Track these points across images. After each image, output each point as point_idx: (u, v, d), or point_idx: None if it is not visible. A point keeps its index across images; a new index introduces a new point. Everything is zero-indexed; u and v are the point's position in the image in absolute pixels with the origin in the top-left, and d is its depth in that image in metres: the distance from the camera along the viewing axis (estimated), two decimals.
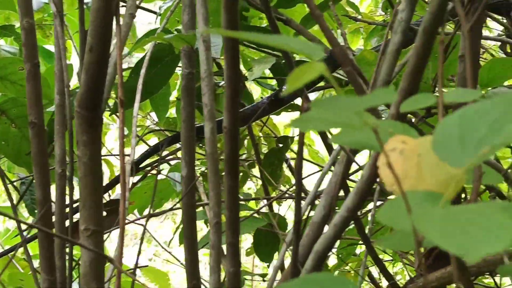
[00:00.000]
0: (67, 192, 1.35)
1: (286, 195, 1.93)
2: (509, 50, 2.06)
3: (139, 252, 1.30)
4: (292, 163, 2.58)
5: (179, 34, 1.23)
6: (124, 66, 2.49)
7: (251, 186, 3.58)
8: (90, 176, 1.03)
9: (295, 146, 3.14)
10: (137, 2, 2.24)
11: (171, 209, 1.66)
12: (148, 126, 2.87)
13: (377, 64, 1.02)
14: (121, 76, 0.97)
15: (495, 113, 0.60)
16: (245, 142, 2.57)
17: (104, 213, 2.29)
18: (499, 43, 2.20)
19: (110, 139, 4.65)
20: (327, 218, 0.95)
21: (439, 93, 0.70)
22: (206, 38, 0.98)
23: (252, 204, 2.55)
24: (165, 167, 2.56)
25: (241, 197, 1.92)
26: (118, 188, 2.33)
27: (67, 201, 1.35)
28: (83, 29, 1.19)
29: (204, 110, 0.98)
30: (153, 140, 2.95)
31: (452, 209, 0.56)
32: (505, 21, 2.04)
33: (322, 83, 2.02)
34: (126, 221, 2.13)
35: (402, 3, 1.00)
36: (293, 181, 2.51)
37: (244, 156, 2.67)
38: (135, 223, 1.98)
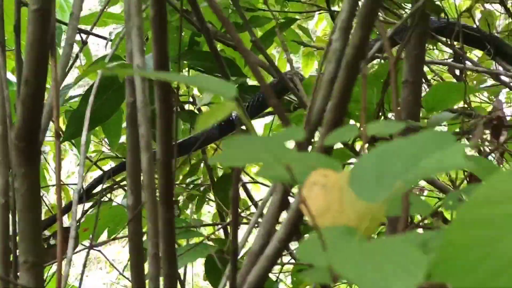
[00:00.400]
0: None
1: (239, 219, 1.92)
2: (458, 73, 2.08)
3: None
4: (249, 186, 2.58)
5: (118, 64, 1.23)
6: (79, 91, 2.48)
7: (210, 210, 3.57)
8: (28, 208, 1.02)
9: (254, 168, 3.15)
10: (89, 28, 2.23)
11: (114, 238, 1.65)
12: (103, 152, 2.85)
13: (312, 94, 1.02)
14: (57, 109, 0.96)
15: (412, 150, 0.61)
16: (201, 165, 2.57)
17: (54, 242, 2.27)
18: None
19: (69, 164, 4.62)
20: (265, 247, 0.95)
21: (362, 128, 0.71)
22: (141, 68, 0.98)
23: (211, 228, 2.55)
24: (121, 193, 2.55)
25: (192, 224, 1.91)
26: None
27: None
28: (19, 60, 1.19)
29: (140, 141, 0.98)
30: (111, 166, 2.94)
31: (367, 245, 0.56)
32: (455, 43, 2.07)
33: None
34: (79, 248, 2.11)
35: (336, 33, 1.01)
36: (250, 203, 2.51)
37: (200, 181, 2.67)
38: (94, 249, 1.97)
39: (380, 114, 1.51)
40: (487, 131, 1.39)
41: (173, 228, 0.92)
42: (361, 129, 0.72)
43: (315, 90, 1.05)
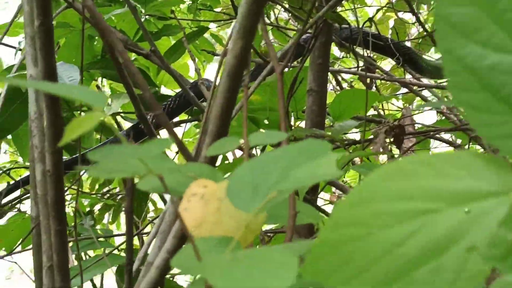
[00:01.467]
0: None
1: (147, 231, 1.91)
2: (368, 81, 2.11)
3: None
4: (166, 195, 2.56)
5: (18, 74, 1.21)
6: None
7: None
8: None
9: None
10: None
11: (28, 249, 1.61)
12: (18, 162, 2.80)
13: (208, 105, 1.02)
14: None
15: (288, 159, 0.61)
16: None
17: None
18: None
19: None
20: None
21: (244, 139, 0.71)
22: (34, 79, 0.96)
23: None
24: None
25: (101, 234, 1.89)
26: None
27: None
28: None
29: (34, 152, 0.96)
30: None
31: (239, 254, 0.56)
32: (367, 52, 2.10)
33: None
34: None
35: (230, 42, 1.01)
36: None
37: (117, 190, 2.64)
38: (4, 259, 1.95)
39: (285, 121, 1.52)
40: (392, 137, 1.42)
41: (65, 241, 0.90)
42: (243, 140, 0.72)
43: (212, 99, 1.05)
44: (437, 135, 1.84)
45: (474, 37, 0.53)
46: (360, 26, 1.71)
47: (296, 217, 0.75)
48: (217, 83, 1.09)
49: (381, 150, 1.29)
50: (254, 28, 0.70)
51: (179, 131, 2.41)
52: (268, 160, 0.62)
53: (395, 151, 1.72)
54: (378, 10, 2.33)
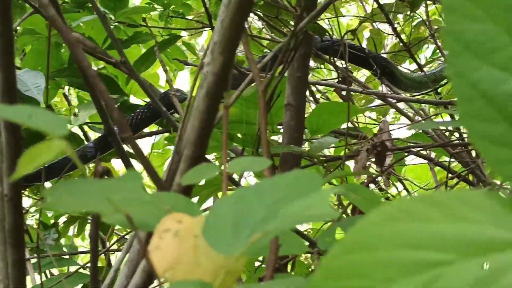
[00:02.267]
0: None
1: (115, 247, 1.83)
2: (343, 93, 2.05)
3: None
4: None
5: None
6: None
7: None
8: None
9: None
10: None
11: None
12: None
13: (182, 121, 0.95)
14: None
15: (274, 194, 0.54)
16: None
17: None
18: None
19: None
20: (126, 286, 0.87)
21: (223, 164, 0.64)
22: None
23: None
24: None
25: (67, 251, 1.81)
26: None
27: None
28: None
29: None
30: None
31: None
32: (342, 63, 2.04)
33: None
34: None
35: (208, 55, 0.94)
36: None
37: None
38: None
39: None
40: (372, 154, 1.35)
41: (23, 273, 0.82)
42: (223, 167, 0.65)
43: (185, 116, 0.97)
44: (416, 151, 1.78)
45: (491, 58, 0.46)
46: (339, 37, 1.65)
47: (278, 250, 0.68)
48: (193, 93, 1.01)
49: (363, 169, 1.23)
50: (236, 42, 0.63)
51: (148, 142, 2.33)
52: (252, 194, 0.55)
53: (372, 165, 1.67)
54: (361, 22, 2.27)
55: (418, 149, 1.72)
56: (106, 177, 0.92)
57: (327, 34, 1.29)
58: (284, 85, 1.36)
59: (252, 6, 0.61)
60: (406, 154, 1.75)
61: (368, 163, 1.22)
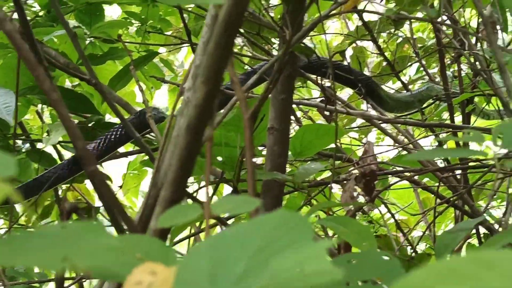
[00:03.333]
0: None
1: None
2: (326, 113, 1.98)
3: None
4: None
5: None
6: None
7: None
8: None
9: None
10: None
11: None
12: None
13: (160, 151, 0.87)
14: None
15: (257, 242, 0.47)
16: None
17: None
18: None
19: None
20: None
21: (205, 207, 0.56)
22: None
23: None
24: None
25: (37, 278, 1.73)
26: None
27: None
28: None
29: None
30: None
31: None
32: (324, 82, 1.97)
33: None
34: None
35: (189, 81, 0.87)
36: None
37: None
38: None
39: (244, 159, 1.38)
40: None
41: None
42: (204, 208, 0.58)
43: (163, 145, 0.90)
44: (405, 175, 1.72)
45: None
46: (324, 55, 1.59)
47: None
48: (173, 122, 0.94)
49: (351, 199, 1.16)
50: (222, 69, 0.56)
51: (124, 161, 2.25)
52: (231, 240, 0.48)
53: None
54: (351, 43, 2.20)
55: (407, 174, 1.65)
56: (74, 214, 0.84)
57: (314, 54, 1.22)
58: (268, 108, 1.29)
59: (240, 28, 0.54)
60: (395, 181, 1.69)
61: (356, 192, 1.15)
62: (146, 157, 2.18)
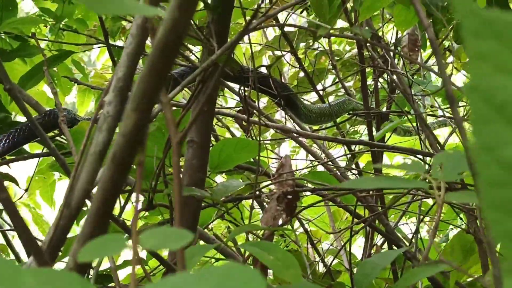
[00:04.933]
0: None
1: None
2: (245, 123, 1.94)
3: None
4: None
5: None
6: None
7: None
8: None
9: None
10: None
11: None
12: None
13: (75, 169, 0.81)
14: None
15: None
16: None
17: None
18: None
19: None
20: None
21: (133, 239, 0.51)
22: None
23: None
24: None
25: None
26: None
27: None
28: None
29: None
30: None
31: None
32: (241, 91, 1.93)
33: None
34: None
35: (110, 94, 0.80)
36: None
37: None
38: None
39: (161, 172, 1.32)
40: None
41: None
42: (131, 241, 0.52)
43: (78, 163, 0.84)
44: (327, 194, 1.69)
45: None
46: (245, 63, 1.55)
47: None
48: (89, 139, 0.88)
49: (273, 220, 1.12)
50: (155, 95, 0.50)
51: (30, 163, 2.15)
52: None
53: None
54: (278, 58, 2.17)
55: (326, 192, 1.62)
56: None
57: (238, 67, 1.18)
58: (188, 120, 1.24)
59: (178, 52, 0.49)
60: (320, 200, 1.66)
61: (277, 213, 1.11)
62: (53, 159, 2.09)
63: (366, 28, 1.41)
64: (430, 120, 2.42)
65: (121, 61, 0.79)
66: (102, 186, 0.55)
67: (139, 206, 1.58)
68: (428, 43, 2.38)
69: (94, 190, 0.92)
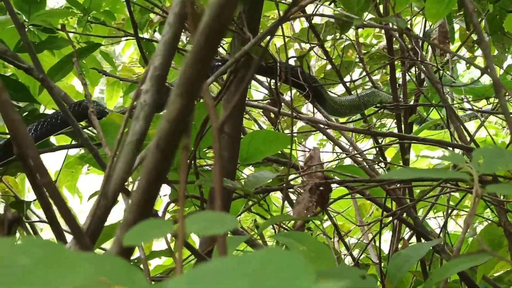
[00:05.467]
0: None
1: None
2: (273, 116, 1.93)
3: None
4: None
5: None
6: None
7: None
8: None
9: None
10: None
11: None
12: None
13: (111, 159, 0.81)
14: None
15: (245, 282, 0.41)
16: None
17: None
18: None
19: None
20: None
21: (180, 222, 0.51)
22: None
23: None
24: None
25: None
26: None
27: None
28: None
29: None
30: None
31: None
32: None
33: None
34: None
35: (147, 82, 0.80)
36: None
37: None
38: None
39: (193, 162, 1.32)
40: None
41: None
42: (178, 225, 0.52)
43: (115, 152, 0.83)
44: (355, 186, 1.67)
45: None
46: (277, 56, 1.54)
47: None
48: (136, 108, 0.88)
49: (305, 211, 1.11)
50: (202, 81, 0.50)
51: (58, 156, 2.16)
52: (215, 280, 0.42)
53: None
54: (310, 49, 2.16)
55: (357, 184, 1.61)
56: (16, 225, 0.77)
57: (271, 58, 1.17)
58: (220, 111, 1.23)
59: (223, 38, 0.49)
60: (348, 192, 1.65)
61: (310, 204, 1.11)
62: (82, 152, 2.10)
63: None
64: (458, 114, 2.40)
65: (157, 50, 0.79)
66: (146, 173, 0.54)
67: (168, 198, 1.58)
68: (456, 36, 2.36)
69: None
